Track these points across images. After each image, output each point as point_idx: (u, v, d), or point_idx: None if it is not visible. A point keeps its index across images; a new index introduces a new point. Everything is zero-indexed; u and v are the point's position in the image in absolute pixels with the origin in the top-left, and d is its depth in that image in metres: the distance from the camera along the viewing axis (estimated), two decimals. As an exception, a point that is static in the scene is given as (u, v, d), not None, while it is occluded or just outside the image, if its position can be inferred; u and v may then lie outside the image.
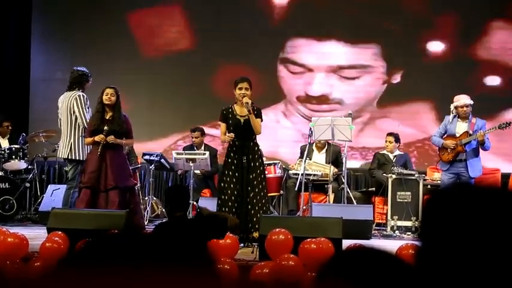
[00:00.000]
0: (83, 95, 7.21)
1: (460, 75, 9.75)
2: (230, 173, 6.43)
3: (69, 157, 7.16)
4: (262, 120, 6.55)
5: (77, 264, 1.06)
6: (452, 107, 7.60)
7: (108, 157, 6.62)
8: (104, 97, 6.70)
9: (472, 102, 7.53)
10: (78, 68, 7.48)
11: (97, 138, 6.60)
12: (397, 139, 8.78)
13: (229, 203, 6.36)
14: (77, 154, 7.14)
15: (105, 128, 6.60)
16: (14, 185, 8.59)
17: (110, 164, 6.60)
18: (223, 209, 6.37)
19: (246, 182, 6.37)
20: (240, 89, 6.37)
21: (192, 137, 9.17)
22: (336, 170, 8.29)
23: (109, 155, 6.63)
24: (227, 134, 6.44)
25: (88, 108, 7.19)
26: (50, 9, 10.91)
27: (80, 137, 7.13)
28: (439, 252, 1.11)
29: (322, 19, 10.23)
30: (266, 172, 8.00)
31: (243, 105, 6.34)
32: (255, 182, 6.39)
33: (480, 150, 7.52)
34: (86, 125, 7.01)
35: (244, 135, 6.45)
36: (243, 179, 6.38)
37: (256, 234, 6.22)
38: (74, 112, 7.16)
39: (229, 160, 6.46)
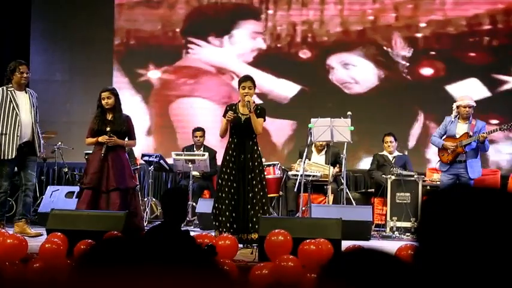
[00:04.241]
0: (3, 87, 6.93)
1: None
2: (228, 170, 6.44)
3: None
4: (264, 120, 6.57)
5: (79, 268, 1.06)
6: (454, 106, 7.60)
7: (110, 158, 6.63)
8: (102, 102, 6.73)
9: (475, 104, 7.54)
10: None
11: (101, 139, 6.62)
12: (395, 139, 8.80)
13: (226, 201, 6.37)
14: None
15: (108, 129, 6.61)
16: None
17: (112, 165, 6.61)
18: (220, 206, 6.38)
19: (245, 182, 6.38)
20: (244, 88, 6.41)
21: (197, 137, 9.19)
22: (336, 169, 8.31)
23: (111, 156, 6.65)
24: (229, 113, 6.45)
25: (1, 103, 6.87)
26: (49, 9, 10.91)
27: None
28: (437, 253, 1.11)
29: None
30: (266, 173, 8.04)
31: (245, 103, 6.38)
32: (253, 182, 6.39)
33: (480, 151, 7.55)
34: None
35: (243, 134, 6.46)
36: (241, 178, 6.38)
37: (255, 236, 6.22)
38: None
39: (228, 158, 6.48)
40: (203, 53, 10.26)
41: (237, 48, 10.07)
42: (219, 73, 10.12)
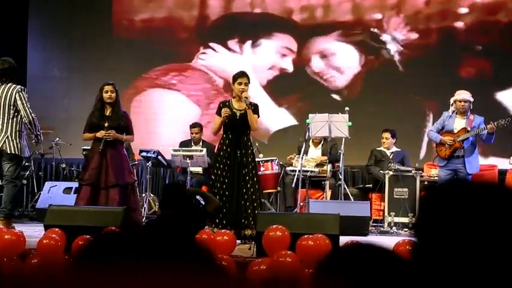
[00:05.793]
0: (23, 88, 6.87)
1: None
2: (222, 166, 6.43)
3: (10, 152, 6.70)
4: (259, 116, 6.57)
5: (79, 263, 1.06)
6: (451, 100, 7.61)
7: (109, 154, 6.61)
8: (104, 95, 6.68)
9: (472, 99, 7.54)
10: (8, 59, 6.98)
11: (98, 134, 6.60)
12: (393, 135, 8.79)
13: (217, 197, 6.35)
14: (18, 149, 6.76)
15: (106, 124, 6.60)
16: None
17: (111, 161, 6.59)
18: None
19: (239, 178, 6.37)
20: (240, 83, 6.39)
21: (192, 133, 9.17)
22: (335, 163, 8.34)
23: (109, 152, 6.62)
24: (223, 110, 6.42)
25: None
26: (47, 5, 10.88)
27: (18, 132, 6.79)
28: (436, 248, 1.11)
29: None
30: (263, 169, 8.06)
31: (242, 99, 6.36)
32: (246, 178, 6.39)
33: (477, 147, 7.56)
34: (32, 120, 6.78)
35: (238, 130, 6.46)
36: (236, 173, 6.38)
37: (248, 232, 6.23)
38: (15, 106, 6.75)
39: (222, 153, 6.47)
40: (211, 57, 10.17)
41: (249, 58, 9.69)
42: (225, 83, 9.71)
